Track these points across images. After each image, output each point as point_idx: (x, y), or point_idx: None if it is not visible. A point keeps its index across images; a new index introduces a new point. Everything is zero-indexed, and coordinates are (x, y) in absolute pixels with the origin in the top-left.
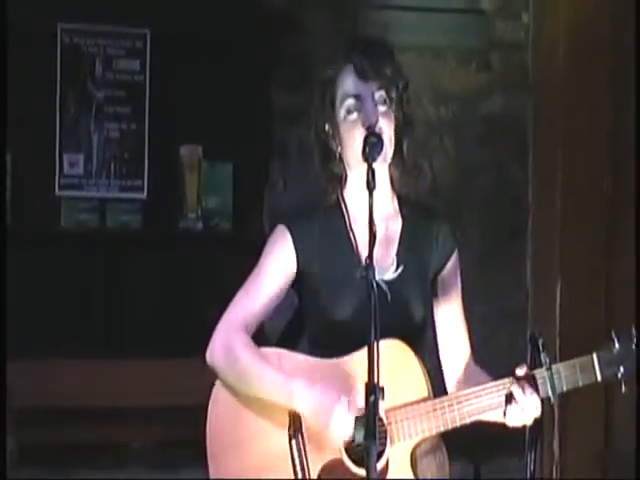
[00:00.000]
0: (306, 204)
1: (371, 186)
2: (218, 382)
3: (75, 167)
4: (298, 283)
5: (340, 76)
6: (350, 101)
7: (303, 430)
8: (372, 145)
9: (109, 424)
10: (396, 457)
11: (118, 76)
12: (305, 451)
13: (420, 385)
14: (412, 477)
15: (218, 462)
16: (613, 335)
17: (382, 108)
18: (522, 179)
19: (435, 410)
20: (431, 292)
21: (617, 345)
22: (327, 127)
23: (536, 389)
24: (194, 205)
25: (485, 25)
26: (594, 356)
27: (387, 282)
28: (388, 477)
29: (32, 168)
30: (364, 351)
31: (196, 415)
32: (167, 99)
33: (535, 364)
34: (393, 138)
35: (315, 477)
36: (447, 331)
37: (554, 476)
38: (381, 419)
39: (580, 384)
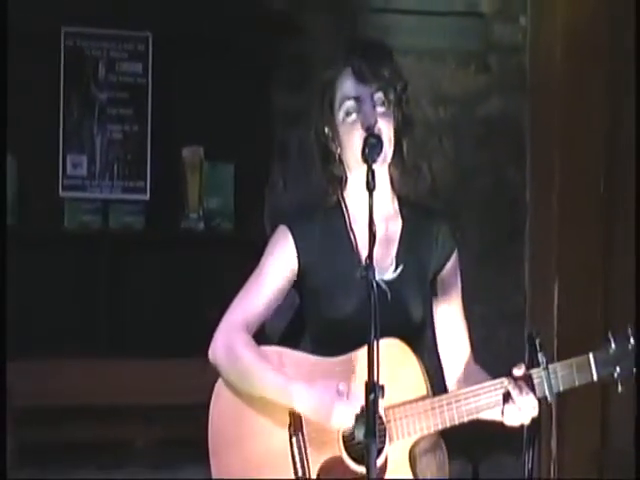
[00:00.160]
0: (306, 204)
1: (371, 187)
2: (220, 380)
3: (78, 168)
4: (299, 283)
5: (339, 78)
6: (349, 103)
7: (303, 428)
8: (372, 146)
9: (110, 423)
10: (394, 455)
11: (121, 78)
12: (305, 449)
13: (419, 384)
14: (410, 475)
15: (220, 459)
16: (609, 335)
17: (381, 109)
18: (520, 181)
19: (433, 409)
20: (431, 292)
21: (613, 345)
22: (327, 129)
23: (533, 389)
24: (196, 206)
25: (484, 28)
26: (590, 356)
27: (387, 282)
28: (386, 475)
29: (36, 170)
30: (364, 350)
31: (196, 414)
32: (169, 101)
33: (533, 364)
34: (392, 139)
35: (315, 475)
36: (447, 331)
37: (551, 474)
38: (380, 417)
39: (576, 384)
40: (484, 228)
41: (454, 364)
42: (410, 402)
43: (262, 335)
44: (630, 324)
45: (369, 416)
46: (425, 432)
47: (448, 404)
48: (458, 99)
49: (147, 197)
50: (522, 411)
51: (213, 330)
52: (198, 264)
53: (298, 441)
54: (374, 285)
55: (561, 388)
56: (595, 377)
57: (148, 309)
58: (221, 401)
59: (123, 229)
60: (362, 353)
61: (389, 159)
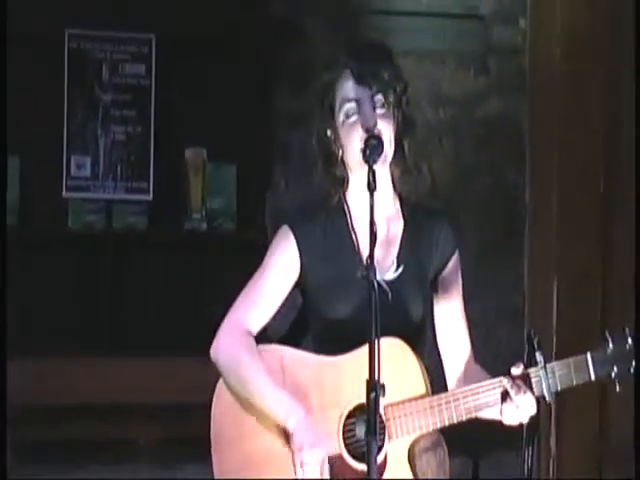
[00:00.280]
0: (308, 205)
1: (372, 187)
2: (221, 380)
3: (82, 169)
4: (301, 283)
5: (339, 81)
6: (349, 105)
7: None
8: (372, 147)
9: (111, 422)
10: (394, 453)
11: (124, 80)
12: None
13: (418, 383)
14: (409, 472)
15: (221, 457)
16: (607, 335)
17: (381, 111)
18: (519, 181)
19: (432, 407)
20: (431, 292)
21: (611, 345)
22: (328, 131)
23: (530, 388)
24: (198, 206)
25: (483, 30)
26: (588, 356)
27: (388, 282)
28: (386, 472)
29: (40, 170)
30: (364, 349)
31: (197, 414)
32: (172, 102)
33: (531, 363)
34: (393, 140)
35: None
36: (448, 330)
37: (550, 472)
38: (380, 415)
39: (574, 383)
40: (484, 228)
41: (455, 363)
42: (409, 401)
43: (264, 334)
44: (628, 324)
45: (370, 414)
46: (424, 430)
47: (447, 403)
48: (458, 100)
49: (150, 198)
50: (520, 410)
51: (215, 330)
52: (200, 264)
53: None
54: (375, 285)
55: (559, 387)
56: (592, 377)
57: (150, 308)
58: (222, 400)
59: (126, 229)
60: (363, 352)
61: (390, 160)
